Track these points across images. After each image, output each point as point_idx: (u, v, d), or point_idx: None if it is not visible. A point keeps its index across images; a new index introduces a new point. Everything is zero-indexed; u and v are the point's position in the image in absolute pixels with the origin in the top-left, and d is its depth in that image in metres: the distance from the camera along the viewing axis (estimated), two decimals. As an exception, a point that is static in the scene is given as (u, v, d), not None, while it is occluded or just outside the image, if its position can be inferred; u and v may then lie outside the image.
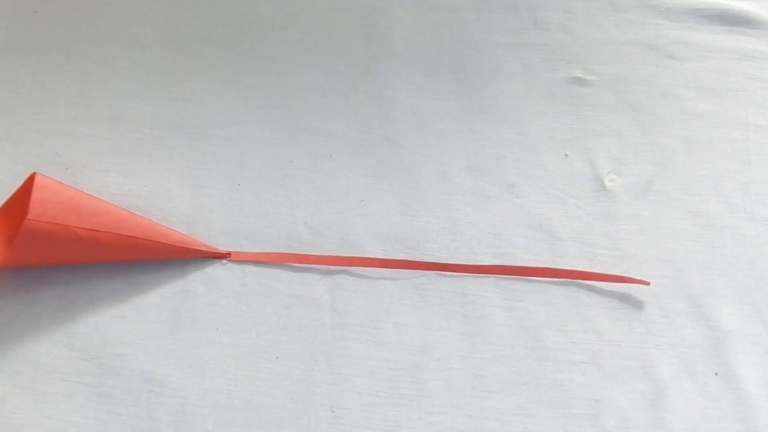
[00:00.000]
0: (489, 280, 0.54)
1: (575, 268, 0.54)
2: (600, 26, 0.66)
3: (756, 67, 0.65)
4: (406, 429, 0.49)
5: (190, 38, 0.64)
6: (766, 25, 0.66)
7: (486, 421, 0.50)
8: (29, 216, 0.48)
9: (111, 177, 0.57)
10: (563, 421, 0.50)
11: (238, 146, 0.59)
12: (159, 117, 0.60)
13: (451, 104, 0.62)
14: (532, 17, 0.67)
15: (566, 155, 0.60)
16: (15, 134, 0.58)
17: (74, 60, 0.62)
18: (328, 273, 0.54)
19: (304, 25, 0.65)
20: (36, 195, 0.49)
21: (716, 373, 0.52)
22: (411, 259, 0.55)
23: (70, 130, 0.59)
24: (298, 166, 0.58)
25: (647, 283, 0.54)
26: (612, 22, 0.67)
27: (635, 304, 0.54)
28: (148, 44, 0.63)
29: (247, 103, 0.61)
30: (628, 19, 0.67)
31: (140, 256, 0.53)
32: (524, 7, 0.67)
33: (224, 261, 0.54)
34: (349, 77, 0.63)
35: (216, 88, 0.61)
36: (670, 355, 0.52)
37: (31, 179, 0.51)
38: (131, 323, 0.51)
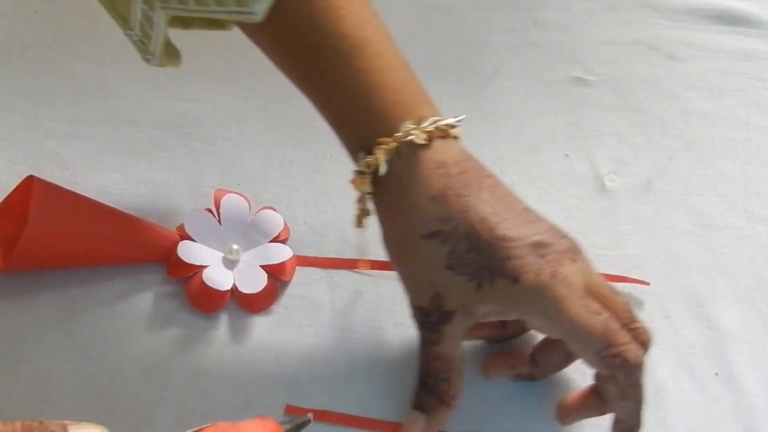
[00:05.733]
0: (489, 280, 0.54)
1: (575, 268, 0.54)
2: (600, 26, 0.66)
3: (756, 67, 0.64)
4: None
5: (190, 38, 0.64)
6: (766, 25, 0.66)
7: (486, 421, 0.49)
8: (29, 225, 0.48)
9: (111, 177, 0.57)
10: (563, 421, 0.50)
11: (238, 146, 0.59)
12: (159, 117, 0.60)
13: (451, 104, 0.62)
14: (532, 17, 0.67)
15: (566, 155, 0.60)
16: (15, 134, 0.58)
17: (74, 60, 0.62)
18: (328, 273, 0.54)
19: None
20: (35, 202, 0.49)
21: (716, 373, 0.52)
22: (411, 259, 0.55)
23: (70, 130, 0.59)
24: (298, 166, 0.58)
25: (647, 283, 0.54)
26: (612, 22, 0.67)
27: (635, 304, 0.54)
28: (148, 44, 0.63)
29: (247, 103, 0.61)
30: (628, 19, 0.67)
31: (141, 259, 0.53)
32: (524, 7, 0.67)
33: (224, 261, 0.54)
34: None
35: (216, 88, 0.61)
36: (670, 355, 0.52)
37: (29, 181, 0.51)
38: (131, 323, 0.51)
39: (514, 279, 0.44)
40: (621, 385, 0.44)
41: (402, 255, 0.46)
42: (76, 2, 0.65)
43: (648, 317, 0.53)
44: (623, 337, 0.44)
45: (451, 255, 0.44)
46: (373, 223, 0.56)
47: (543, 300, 0.44)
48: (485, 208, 0.45)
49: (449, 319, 0.45)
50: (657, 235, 0.57)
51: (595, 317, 0.44)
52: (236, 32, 0.66)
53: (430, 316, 0.45)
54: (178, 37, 0.60)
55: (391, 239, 0.47)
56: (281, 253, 0.53)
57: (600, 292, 0.45)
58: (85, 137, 0.59)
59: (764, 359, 0.52)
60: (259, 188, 0.57)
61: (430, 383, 0.47)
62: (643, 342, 0.45)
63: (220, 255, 0.53)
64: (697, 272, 0.55)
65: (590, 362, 0.45)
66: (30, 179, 0.51)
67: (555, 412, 0.49)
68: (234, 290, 0.52)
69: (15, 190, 0.52)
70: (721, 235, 0.57)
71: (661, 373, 0.52)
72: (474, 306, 0.45)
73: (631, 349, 0.44)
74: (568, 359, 0.49)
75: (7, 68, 0.61)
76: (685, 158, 0.60)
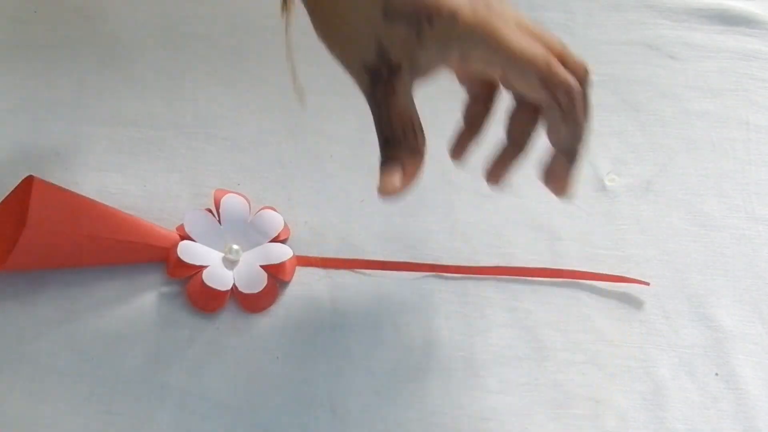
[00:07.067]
0: (489, 281, 0.54)
1: (575, 268, 0.54)
2: (600, 26, 0.66)
3: (756, 67, 0.65)
4: (406, 429, 0.49)
5: (190, 38, 0.64)
6: (766, 25, 0.66)
7: (486, 421, 0.50)
8: (28, 225, 0.48)
9: (111, 177, 0.57)
10: (563, 422, 0.50)
11: (238, 146, 0.59)
12: (159, 117, 0.60)
13: (451, 104, 0.62)
14: (532, 17, 0.66)
15: (566, 155, 0.60)
16: (15, 134, 0.58)
17: (74, 60, 0.62)
18: (328, 273, 0.54)
19: (305, 25, 0.65)
20: (34, 202, 0.49)
21: (716, 373, 0.52)
22: (411, 260, 0.55)
23: (70, 130, 0.59)
24: (298, 166, 0.58)
25: (647, 283, 0.54)
26: (612, 22, 0.67)
27: (635, 304, 0.54)
28: (148, 44, 0.63)
29: (247, 103, 0.61)
30: (628, 19, 0.67)
31: (140, 259, 0.53)
32: (524, 7, 0.67)
33: (224, 261, 0.54)
34: (350, 77, 0.63)
35: (216, 88, 0.61)
36: (670, 355, 0.52)
37: (28, 181, 0.51)
38: (131, 323, 0.51)
39: (452, 17, 0.44)
40: (563, 106, 0.45)
41: (336, 21, 0.47)
42: (76, 2, 0.65)
43: (648, 317, 0.54)
44: (562, 66, 0.46)
45: (386, 4, 0.45)
46: (371, 221, 0.56)
47: (482, 33, 0.44)
48: None
49: (398, 72, 0.46)
50: (657, 235, 0.57)
51: (535, 45, 0.45)
52: (235, 34, 0.66)
53: (380, 73, 0.46)
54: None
55: (321, 11, 0.47)
56: (281, 253, 0.53)
57: (532, 29, 0.47)
58: (85, 137, 0.58)
59: (764, 359, 0.52)
60: (259, 188, 0.57)
61: (397, 136, 0.46)
62: (583, 72, 0.47)
63: (220, 255, 0.53)
64: (697, 272, 0.55)
65: (531, 88, 0.45)
66: (30, 179, 0.51)
67: (484, 178, 0.49)
68: (234, 290, 0.52)
69: (14, 190, 0.52)
70: (721, 235, 0.57)
71: (661, 373, 0.52)
72: (417, 55, 0.45)
73: (572, 75, 0.46)
74: (534, 118, 0.49)
75: (7, 68, 0.61)
76: (685, 158, 0.60)
